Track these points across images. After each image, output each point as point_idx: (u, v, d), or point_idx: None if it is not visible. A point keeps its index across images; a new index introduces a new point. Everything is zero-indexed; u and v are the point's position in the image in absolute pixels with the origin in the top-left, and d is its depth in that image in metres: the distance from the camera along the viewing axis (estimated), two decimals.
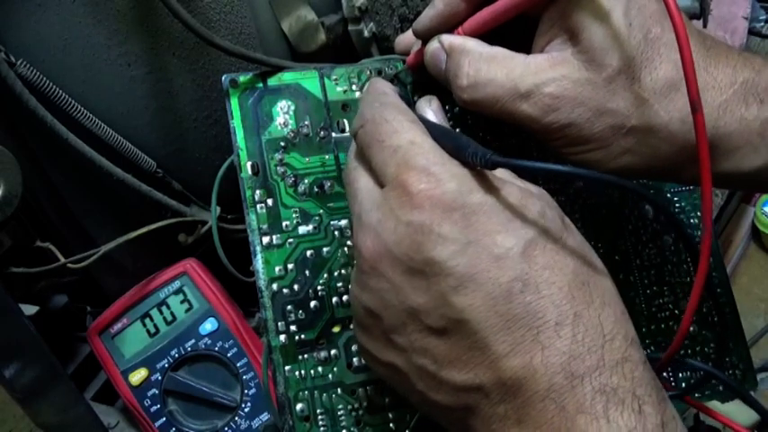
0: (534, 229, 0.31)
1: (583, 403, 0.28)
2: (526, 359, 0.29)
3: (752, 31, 0.72)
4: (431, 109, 0.39)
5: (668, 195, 0.50)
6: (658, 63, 0.35)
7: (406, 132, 0.33)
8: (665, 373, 0.46)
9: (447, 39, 0.39)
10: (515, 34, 0.38)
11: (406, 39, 0.44)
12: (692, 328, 0.48)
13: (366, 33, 0.54)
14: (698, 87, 0.31)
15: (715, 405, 0.56)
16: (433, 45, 0.39)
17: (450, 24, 0.39)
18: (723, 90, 0.36)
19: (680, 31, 0.31)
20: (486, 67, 0.36)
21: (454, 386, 0.31)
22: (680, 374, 0.47)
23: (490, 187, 0.32)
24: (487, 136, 0.45)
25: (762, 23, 0.75)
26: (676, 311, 0.48)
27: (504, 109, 0.36)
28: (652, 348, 0.46)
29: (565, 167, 0.32)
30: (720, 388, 0.48)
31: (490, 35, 0.38)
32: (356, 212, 0.34)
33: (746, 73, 0.36)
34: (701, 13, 0.58)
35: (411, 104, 0.43)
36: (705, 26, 0.62)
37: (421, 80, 0.39)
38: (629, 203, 0.48)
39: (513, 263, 0.30)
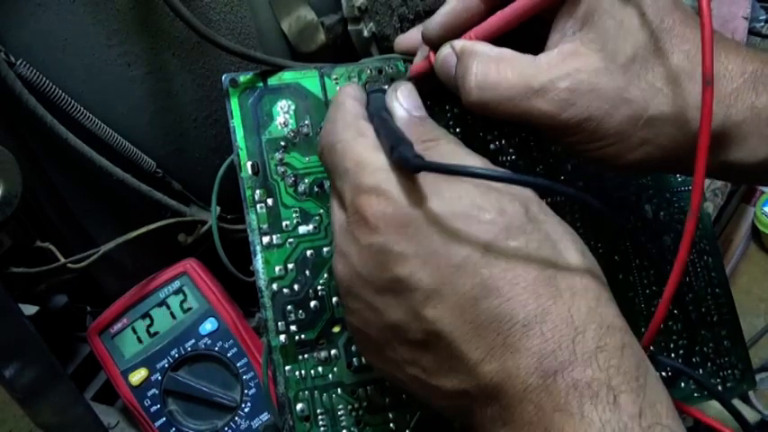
0: (493, 231, 0.30)
1: (558, 401, 0.28)
2: (500, 364, 0.29)
3: (752, 31, 0.72)
4: (398, 98, 0.38)
5: (667, 195, 0.50)
6: (671, 53, 0.35)
7: (350, 152, 0.33)
8: None
9: (458, 43, 0.38)
10: (523, 37, 0.38)
11: (407, 39, 0.44)
12: (690, 329, 0.48)
13: (366, 33, 0.54)
14: (713, 64, 0.31)
15: (715, 405, 0.56)
16: (445, 50, 0.39)
17: (462, 28, 0.39)
18: (734, 78, 0.35)
19: (703, 3, 0.31)
20: (495, 67, 0.36)
21: (446, 393, 0.31)
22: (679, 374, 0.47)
23: (441, 191, 0.31)
24: (488, 135, 0.45)
25: (762, 23, 0.75)
26: (675, 311, 0.48)
27: (519, 109, 0.36)
28: (651, 348, 0.46)
29: (489, 171, 0.31)
30: (719, 388, 0.48)
31: (498, 40, 0.38)
32: (333, 238, 0.35)
33: (755, 63, 0.36)
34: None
35: None
36: None
37: (423, 89, 0.39)
38: (629, 204, 0.48)
39: (474, 269, 0.30)
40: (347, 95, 0.37)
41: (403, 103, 0.38)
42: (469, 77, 0.36)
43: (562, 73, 0.35)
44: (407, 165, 0.30)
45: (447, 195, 0.31)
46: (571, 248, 0.32)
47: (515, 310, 0.29)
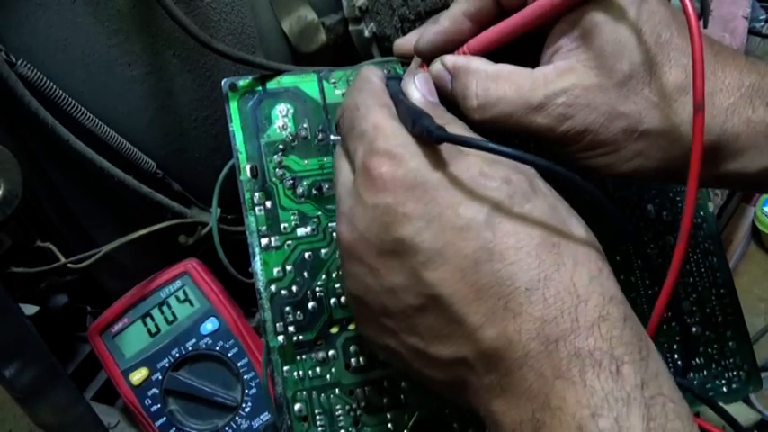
0: (497, 197, 0.30)
1: (560, 368, 0.28)
2: (500, 328, 0.29)
3: (752, 31, 0.72)
4: (415, 84, 0.38)
5: (670, 195, 0.50)
6: (668, 68, 0.35)
7: (372, 116, 0.34)
8: None
9: (450, 60, 0.39)
10: (517, 50, 0.38)
11: (406, 43, 0.44)
12: (694, 329, 0.48)
13: (366, 33, 0.54)
14: (703, 90, 0.32)
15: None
16: (436, 67, 0.39)
17: (453, 44, 0.39)
18: (731, 93, 0.36)
19: (694, 32, 0.31)
20: (494, 85, 0.36)
21: (443, 362, 0.31)
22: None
23: (451, 161, 0.32)
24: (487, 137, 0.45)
25: (762, 23, 0.74)
26: (679, 312, 0.48)
27: (519, 123, 0.36)
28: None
29: (507, 149, 0.31)
30: (724, 389, 0.48)
31: (492, 53, 0.38)
32: (336, 201, 0.35)
33: (753, 77, 0.36)
34: (702, 13, 0.57)
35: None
36: (706, 26, 0.62)
37: None
38: (631, 204, 0.48)
39: (477, 232, 0.30)
40: (373, 72, 0.38)
41: (419, 87, 0.38)
42: (470, 98, 0.37)
43: (558, 89, 0.35)
44: (430, 136, 0.31)
45: (456, 164, 0.31)
46: (574, 221, 0.32)
47: (518, 275, 0.29)
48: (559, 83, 0.35)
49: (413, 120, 0.33)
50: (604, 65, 0.35)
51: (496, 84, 0.36)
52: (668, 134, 0.36)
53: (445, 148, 0.32)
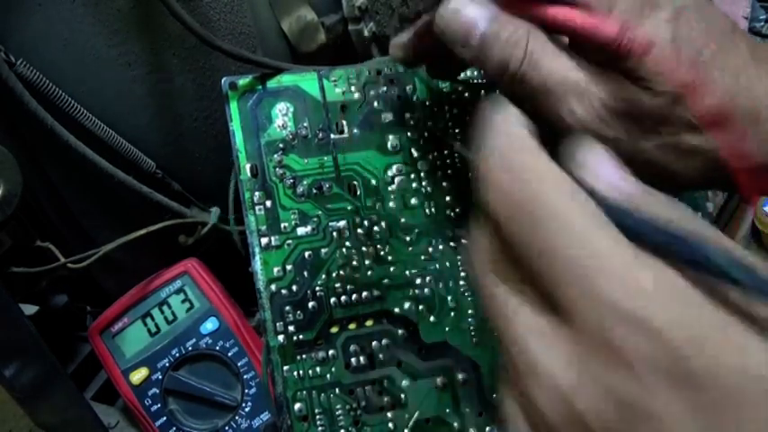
0: None
1: None
2: None
3: (752, 31, 0.72)
4: (603, 165, 0.24)
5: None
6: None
7: (598, 242, 0.21)
8: None
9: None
10: None
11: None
12: None
13: (366, 33, 0.54)
14: None
15: None
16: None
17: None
18: None
19: None
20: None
21: None
22: None
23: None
24: None
25: (762, 23, 0.74)
26: None
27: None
28: None
29: None
30: None
31: None
32: (516, 350, 0.23)
33: None
34: None
35: (412, 106, 0.43)
36: None
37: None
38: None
39: None
40: (516, 119, 0.25)
41: (611, 178, 0.24)
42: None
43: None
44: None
45: None
46: None
47: None
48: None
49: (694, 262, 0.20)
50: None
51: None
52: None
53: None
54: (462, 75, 0.44)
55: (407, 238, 0.43)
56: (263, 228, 0.41)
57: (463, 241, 0.43)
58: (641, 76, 0.31)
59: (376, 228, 0.42)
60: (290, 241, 0.41)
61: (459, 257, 0.43)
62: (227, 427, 0.54)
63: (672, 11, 0.31)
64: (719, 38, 0.32)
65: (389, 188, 0.43)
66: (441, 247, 0.43)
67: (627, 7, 0.31)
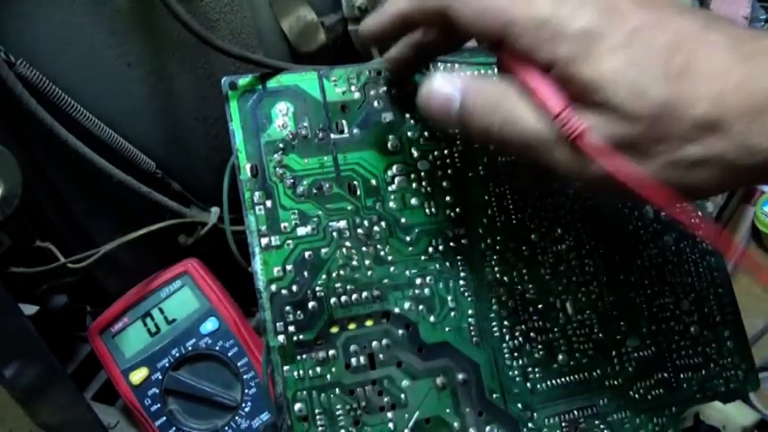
0: None
1: None
2: None
3: None
4: None
5: None
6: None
7: None
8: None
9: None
10: None
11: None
12: (693, 329, 0.48)
13: None
14: None
15: (715, 405, 0.56)
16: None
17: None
18: None
19: None
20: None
21: None
22: (681, 375, 0.47)
23: None
24: None
25: (762, 23, 0.74)
26: (677, 312, 0.48)
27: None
28: (653, 349, 0.46)
29: None
30: (722, 389, 0.48)
31: None
32: None
33: None
34: None
35: (412, 106, 0.43)
36: None
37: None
38: (630, 203, 0.48)
39: None
40: None
41: None
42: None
43: None
44: None
45: None
46: None
47: None
48: None
49: None
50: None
51: None
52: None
53: None
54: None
55: (407, 238, 0.43)
56: (263, 228, 0.41)
57: (463, 241, 0.43)
58: (611, 108, 0.31)
59: (376, 228, 0.42)
60: (290, 241, 0.41)
61: (459, 257, 0.43)
62: (226, 427, 0.54)
63: (624, 35, 0.31)
64: (687, 44, 0.31)
65: (389, 188, 0.43)
66: (441, 247, 0.43)
67: (569, 51, 0.31)
